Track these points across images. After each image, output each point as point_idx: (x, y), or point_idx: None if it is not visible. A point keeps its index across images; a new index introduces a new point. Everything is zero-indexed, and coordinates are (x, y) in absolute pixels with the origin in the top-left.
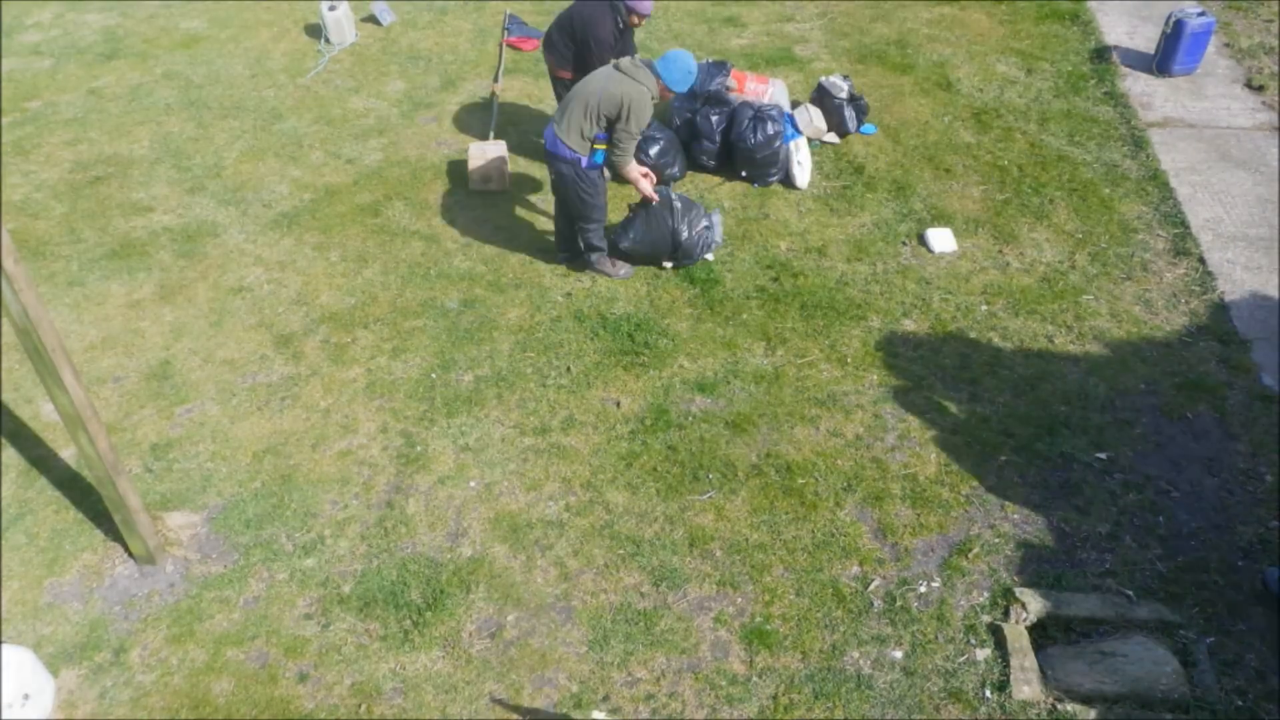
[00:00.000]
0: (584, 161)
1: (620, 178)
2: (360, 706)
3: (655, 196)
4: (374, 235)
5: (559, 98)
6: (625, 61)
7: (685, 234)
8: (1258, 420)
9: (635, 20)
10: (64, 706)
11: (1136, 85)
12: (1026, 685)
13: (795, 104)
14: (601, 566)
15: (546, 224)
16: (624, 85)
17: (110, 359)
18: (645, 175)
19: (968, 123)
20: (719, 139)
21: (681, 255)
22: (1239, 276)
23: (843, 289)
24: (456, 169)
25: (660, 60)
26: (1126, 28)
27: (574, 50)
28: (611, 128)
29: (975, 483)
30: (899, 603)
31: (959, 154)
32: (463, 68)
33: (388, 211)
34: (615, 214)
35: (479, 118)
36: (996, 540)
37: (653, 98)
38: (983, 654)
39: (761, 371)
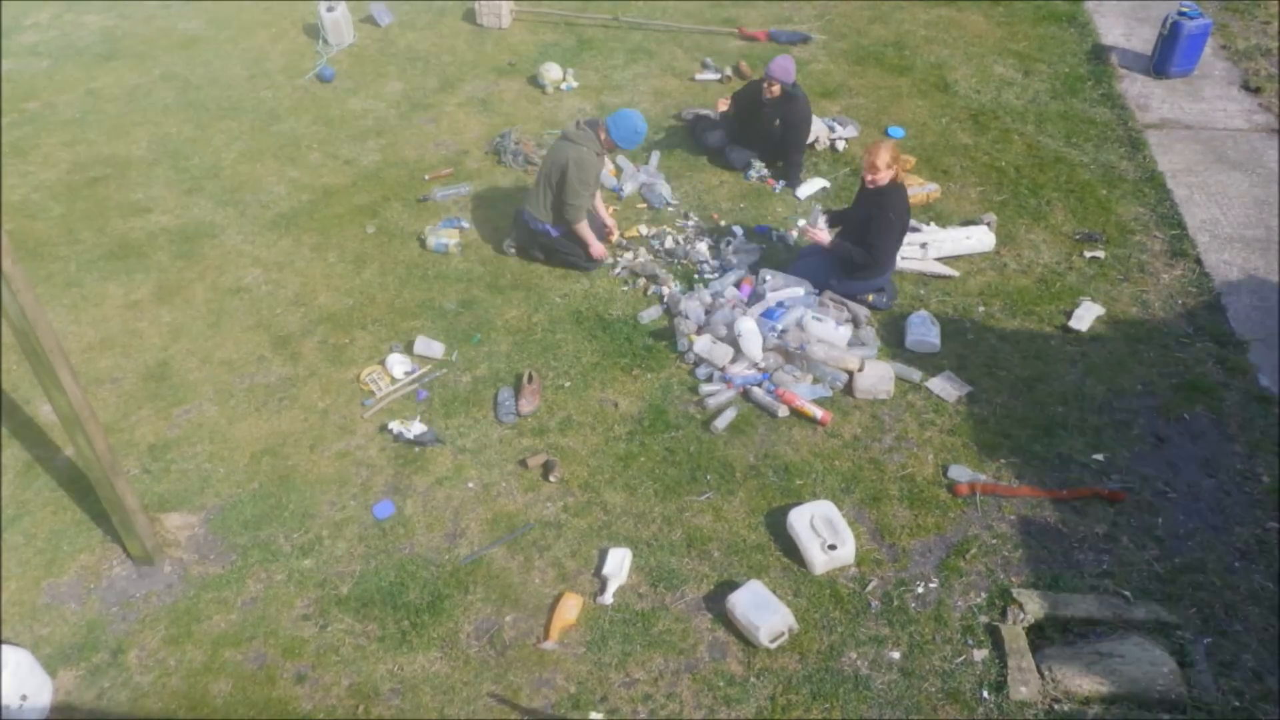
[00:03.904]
0: (552, 231)
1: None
2: (358, 707)
3: (604, 255)
4: (372, 236)
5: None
6: (570, 127)
7: None
8: (1255, 421)
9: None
10: (61, 707)
11: (1134, 87)
12: (1024, 686)
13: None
14: (599, 568)
15: None
16: (567, 150)
17: (108, 360)
18: (608, 233)
19: (965, 124)
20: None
21: None
22: (1236, 278)
23: None
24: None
25: (610, 117)
26: (1123, 29)
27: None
28: (562, 187)
29: None
30: (896, 603)
31: (957, 155)
32: (461, 69)
33: (385, 212)
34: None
35: (477, 118)
36: (994, 541)
37: (599, 154)
38: (980, 655)
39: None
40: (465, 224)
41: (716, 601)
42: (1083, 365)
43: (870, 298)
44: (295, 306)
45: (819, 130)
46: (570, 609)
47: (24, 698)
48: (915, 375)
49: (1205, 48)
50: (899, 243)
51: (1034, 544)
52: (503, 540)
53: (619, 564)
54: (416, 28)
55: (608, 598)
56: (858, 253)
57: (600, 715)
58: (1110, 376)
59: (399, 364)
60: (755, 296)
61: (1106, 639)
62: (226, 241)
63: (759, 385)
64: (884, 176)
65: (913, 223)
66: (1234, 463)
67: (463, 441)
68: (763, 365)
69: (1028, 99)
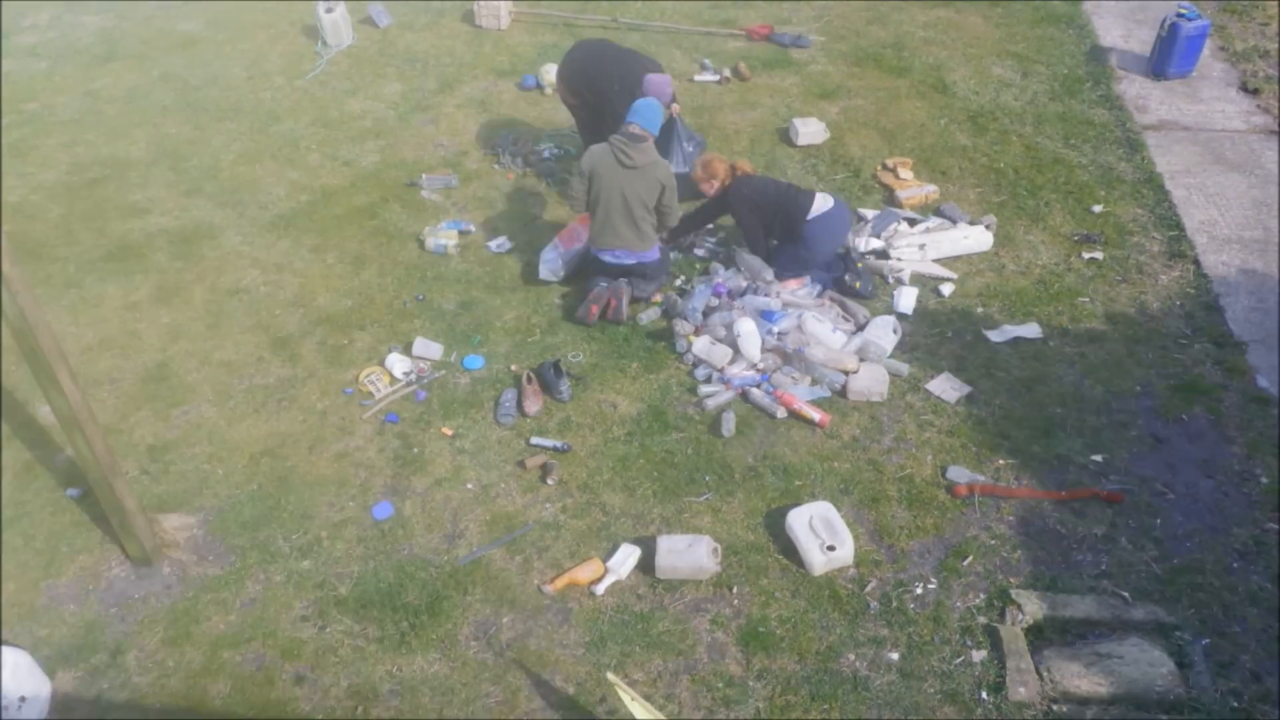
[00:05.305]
0: (651, 255)
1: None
2: (357, 709)
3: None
4: (371, 237)
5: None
6: (622, 152)
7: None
8: (1253, 422)
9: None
10: (60, 709)
11: (1132, 88)
12: (1022, 687)
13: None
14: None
15: (543, 224)
16: (644, 175)
17: (107, 361)
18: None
19: (964, 125)
20: None
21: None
22: (1234, 279)
23: None
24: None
25: (638, 117)
26: (1122, 31)
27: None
28: (662, 209)
29: None
30: (895, 604)
31: (955, 156)
32: (460, 70)
33: (384, 214)
34: None
35: (476, 120)
36: (993, 542)
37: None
38: (979, 656)
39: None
40: (471, 226)
41: (715, 603)
42: (1081, 366)
43: (858, 284)
44: (294, 308)
45: (818, 132)
46: (587, 571)
47: (23, 699)
48: (903, 370)
49: (1204, 49)
50: (760, 225)
51: (1033, 545)
52: (501, 541)
53: (623, 560)
54: (415, 29)
55: (600, 588)
56: (752, 248)
57: (600, 716)
58: (1108, 377)
59: (398, 365)
60: (739, 292)
61: (1105, 640)
62: (225, 243)
63: (757, 386)
64: (711, 187)
65: (916, 216)
66: (1232, 464)
67: (461, 443)
68: (761, 366)
69: (1026, 100)
